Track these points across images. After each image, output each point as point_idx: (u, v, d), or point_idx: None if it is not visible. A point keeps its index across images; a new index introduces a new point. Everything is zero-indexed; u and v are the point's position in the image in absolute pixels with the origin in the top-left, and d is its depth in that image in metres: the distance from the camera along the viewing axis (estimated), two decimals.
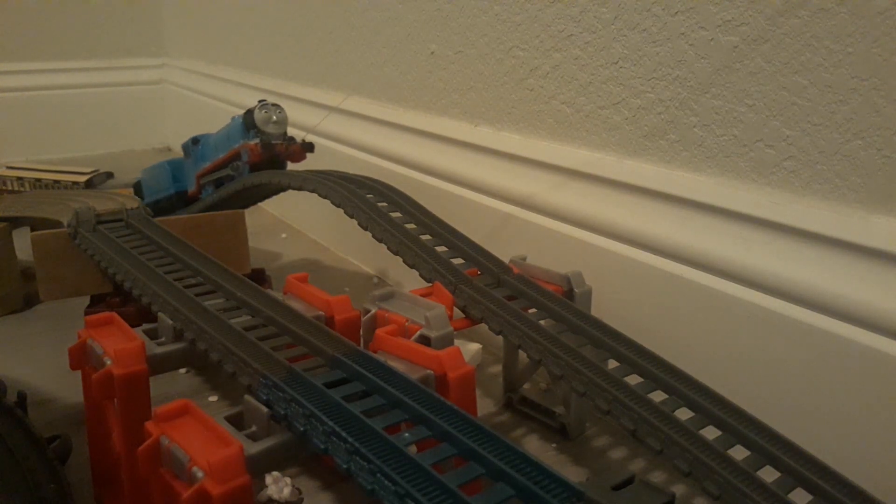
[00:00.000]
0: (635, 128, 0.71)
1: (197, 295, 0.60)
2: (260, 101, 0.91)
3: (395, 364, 0.50)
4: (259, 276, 0.86)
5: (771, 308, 0.57)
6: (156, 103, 2.05)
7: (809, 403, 0.55)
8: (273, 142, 0.89)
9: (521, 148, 0.84)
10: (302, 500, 0.49)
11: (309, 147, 0.93)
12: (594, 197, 0.74)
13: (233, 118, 0.95)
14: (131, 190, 1.20)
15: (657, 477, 0.62)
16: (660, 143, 0.69)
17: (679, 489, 0.59)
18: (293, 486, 0.48)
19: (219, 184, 0.97)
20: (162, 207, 1.11)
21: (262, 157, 0.89)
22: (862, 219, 0.54)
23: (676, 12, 0.65)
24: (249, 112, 0.90)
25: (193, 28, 1.88)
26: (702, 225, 0.64)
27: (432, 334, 0.55)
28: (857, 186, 0.54)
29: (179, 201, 1.09)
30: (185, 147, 1.04)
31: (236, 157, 0.92)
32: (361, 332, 0.61)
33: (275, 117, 0.90)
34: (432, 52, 0.99)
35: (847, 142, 0.54)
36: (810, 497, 0.42)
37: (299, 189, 0.83)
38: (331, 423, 0.41)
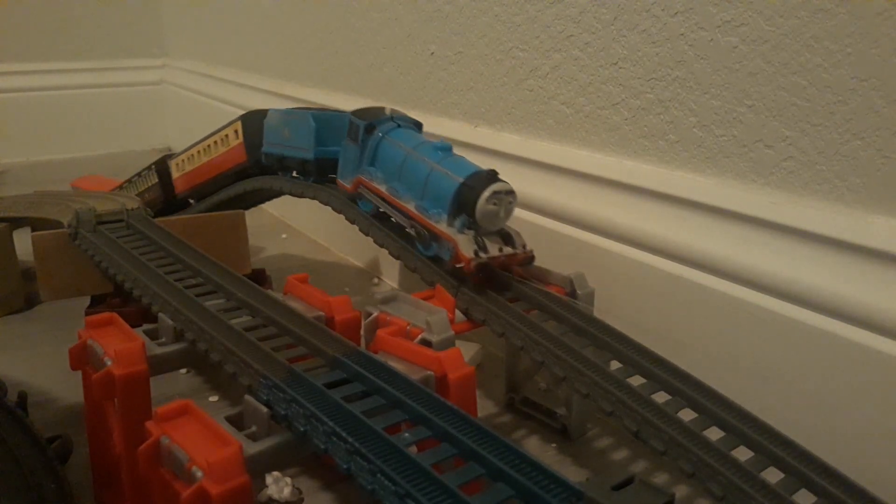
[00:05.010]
0: (635, 128, 0.71)
1: (197, 295, 0.60)
2: (490, 178, 0.61)
3: (395, 365, 0.50)
4: (259, 277, 0.86)
5: (771, 308, 0.57)
6: (156, 104, 2.05)
7: (810, 404, 0.55)
8: (488, 256, 0.60)
9: (521, 148, 0.84)
10: (302, 499, 0.49)
11: (529, 260, 0.64)
12: (594, 197, 0.74)
13: (442, 148, 0.66)
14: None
15: (659, 478, 0.62)
16: (659, 143, 0.69)
17: (681, 490, 0.59)
18: (293, 485, 0.48)
19: (383, 217, 0.72)
20: (286, 167, 0.86)
21: (469, 272, 0.60)
22: (861, 219, 0.54)
23: (676, 13, 0.65)
24: (471, 189, 0.61)
25: (193, 28, 1.88)
26: (702, 225, 0.64)
27: (434, 338, 0.55)
28: (857, 187, 0.54)
29: (318, 171, 0.81)
30: (352, 127, 0.73)
31: (430, 233, 0.64)
32: (363, 335, 0.61)
33: (502, 213, 0.61)
34: (432, 53, 0.99)
35: (846, 142, 0.54)
36: (814, 498, 0.42)
37: (300, 196, 0.83)
38: (331, 424, 0.41)
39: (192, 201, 1.08)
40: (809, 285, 0.55)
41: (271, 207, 1.38)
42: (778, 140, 0.59)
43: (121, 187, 1.21)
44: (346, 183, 0.74)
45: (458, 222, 0.61)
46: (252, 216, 0.90)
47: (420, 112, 1.03)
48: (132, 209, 0.80)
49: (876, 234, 0.53)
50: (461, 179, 0.61)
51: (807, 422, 0.55)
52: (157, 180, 1.10)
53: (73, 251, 0.73)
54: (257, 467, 0.42)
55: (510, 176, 0.70)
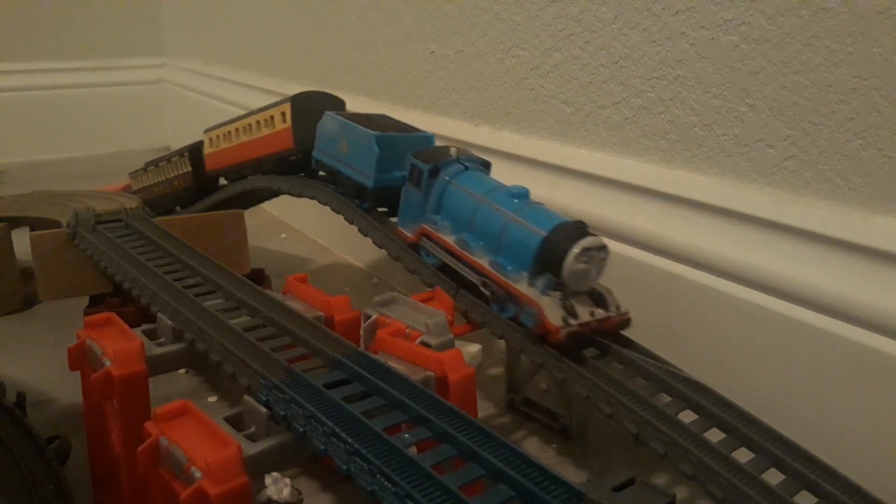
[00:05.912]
0: (636, 127, 0.71)
1: (196, 295, 0.59)
2: (579, 232, 0.54)
3: (395, 365, 0.50)
4: (258, 277, 0.85)
5: (771, 308, 0.57)
6: (155, 103, 2.04)
7: (811, 404, 0.55)
8: (579, 322, 0.53)
9: (521, 147, 0.84)
10: (301, 500, 0.49)
11: (625, 324, 0.56)
12: (595, 197, 0.74)
13: (518, 195, 0.60)
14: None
15: (659, 479, 0.62)
16: (660, 142, 0.69)
17: (682, 492, 0.58)
18: (293, 486, 0.48)
19: (441, 268, 0.65)
20: (338, 182, 0.77)
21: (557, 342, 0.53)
22: (863, 218, 0.54)
23: (677, 11, 0.65)
24: (557, 245, 0.53)
25: (193, 28, 1.88)
26: (702, 225, 0.64)
27: (433, 342, 0.55)
28: (858, 186, 0.54)
29: (375, 199, 0.73)
30: (414, 171, 0.66)
31: (506, 294, 0.57)
32: (362, 338, 0.61)
33: (594, 272, 0.54)
34: (432, 52, 0.98)
35: (848, 141, 0.54)
36: (815, 500, 0.42)
37: (299, 196, 0.82)
38: (330, 424, 0.41)
39: (224, 181, 1.02)
40: (811, 285, 0.55)
41: (271, 207, 1.37)
42: (779, 139, 0.59)
43: (145, 170, 1.17)
44: (407, 232, 0.67)
45: (540, 282, 0.54)
46: (252, 216, 0.90)
47: (420, 111, 1.03)
48: (131, 209, 0.79)
49: (877, 233, 0.53)
50: (544, 233, 0.54)
51: (807, 422, 0.54)
52: (189, 168, 1.05)
53: (72, 251, 0.73)
54: (256, 468, 0.42)
55: (510, 175, 0.70)
